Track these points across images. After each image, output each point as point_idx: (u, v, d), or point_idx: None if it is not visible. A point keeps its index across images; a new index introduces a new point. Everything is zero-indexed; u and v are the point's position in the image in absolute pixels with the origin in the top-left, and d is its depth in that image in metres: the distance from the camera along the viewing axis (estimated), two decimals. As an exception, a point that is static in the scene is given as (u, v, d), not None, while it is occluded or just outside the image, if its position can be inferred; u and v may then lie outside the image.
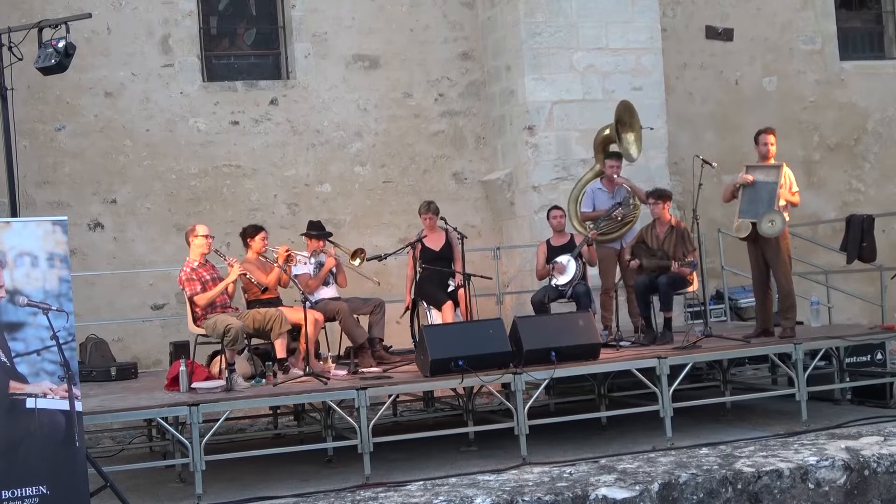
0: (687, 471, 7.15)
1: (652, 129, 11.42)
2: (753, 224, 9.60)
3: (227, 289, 9.16)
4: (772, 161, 9.79)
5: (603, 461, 7.99)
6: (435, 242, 10.22)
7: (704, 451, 8.12)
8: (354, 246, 10.24)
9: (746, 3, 14.30)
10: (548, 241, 10.50)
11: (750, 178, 9.67)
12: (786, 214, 9.66)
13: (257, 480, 8.44)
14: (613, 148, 10.78)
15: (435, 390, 10.05)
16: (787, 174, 9.69)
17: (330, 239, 10.20)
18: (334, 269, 10.00)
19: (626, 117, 10.82)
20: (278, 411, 10.33)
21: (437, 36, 13.17)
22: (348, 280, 10.16)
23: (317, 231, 10.08)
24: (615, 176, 10.53)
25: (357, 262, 9.96)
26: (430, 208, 10.23)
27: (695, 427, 9.25)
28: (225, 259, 9.24)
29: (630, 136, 10.81)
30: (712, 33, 14.11)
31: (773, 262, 9.71)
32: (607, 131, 10.86)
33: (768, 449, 7.90)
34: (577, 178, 11.43)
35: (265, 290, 9.42)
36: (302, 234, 10.23)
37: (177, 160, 12.28)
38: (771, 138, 9.79)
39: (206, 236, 9.19)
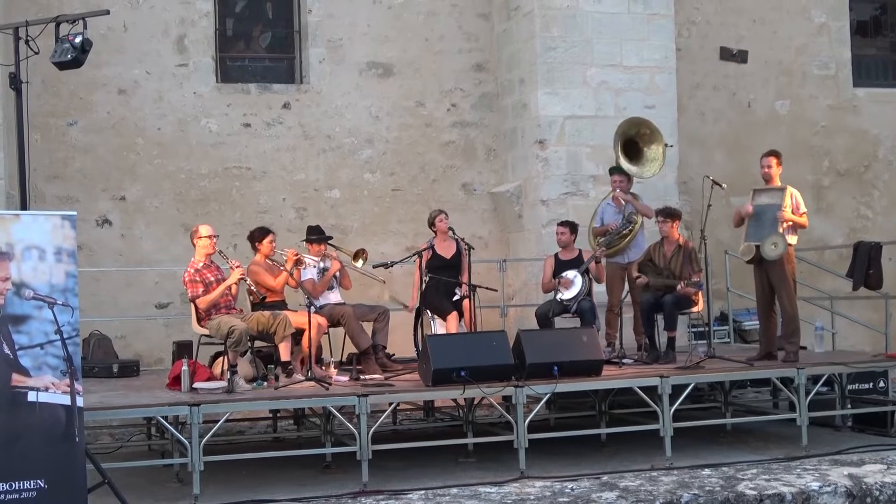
0: (689, 491, 7.12)
1: (672, 146, 11.39)
2: (757, 247, 9.58)
3: (230, 290, 9.13)
4: (777, 184, 9.78)
5: (605, 478, 7.97)
6: (446, 250, 10.21)
7: (707, 472, 8.10)
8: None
9: (762, 26, 14.29)
10: (556, 255, 10.48)
11: (750, 209, 9.66)
12: (793, 238, 9.63)
13: (255, 483, 8.41)
14: (622, 162, 10.78)
15: (436, 400, 10.02)
16: (794, 195, 9.66)
17: (330, 242, 10.17)
18: (338, 274, 9.97)
19: (639, 132, 10.81)
20: (278, 415, 10.30)
21: (452, 46, 13.16)
22: (353, 285, 10.15)
23: (316, 235, 10.05)
24: (617, 191, 10.52)
25: (359, 263, 9.93)
26: (442, 210, 10.33)
27: (694, 447, 9.21)
28: (228, 261, 9.20)
29: (650, 153, 10.82)
30: (727, 55, 14.10)
31: (777, 286, 9.67)
32: (619, 151, 10.85)
33: (771, 472, 7.87)
34: (587, 194, 11.38)
35: (263, 299, 9.35)
36: (302, 241, 10.18)
37: (187, 160, 12.28)
38: (771, 161, 9.78)
39: (210, 237, 9.17)
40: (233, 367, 8.58)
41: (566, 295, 10.04)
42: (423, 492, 7.78)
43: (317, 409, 9.05)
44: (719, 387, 10.30)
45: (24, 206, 7.62)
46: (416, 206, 12.85)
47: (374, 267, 10.15)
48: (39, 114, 11.42)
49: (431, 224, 10.34)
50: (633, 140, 10.97)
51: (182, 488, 8.19)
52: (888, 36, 15.32)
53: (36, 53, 7.56)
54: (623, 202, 10.48)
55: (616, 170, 10.72)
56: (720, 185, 10.04)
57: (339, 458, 8.69)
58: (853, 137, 14.59)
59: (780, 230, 9.52)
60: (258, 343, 9.38)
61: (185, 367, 8.45)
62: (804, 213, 9.71)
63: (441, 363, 8.32)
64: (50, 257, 6.63)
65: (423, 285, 9.94)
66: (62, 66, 7.84)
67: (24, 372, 6.46)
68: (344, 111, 12.81)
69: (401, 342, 10.49)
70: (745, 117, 14.19)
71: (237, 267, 9.07)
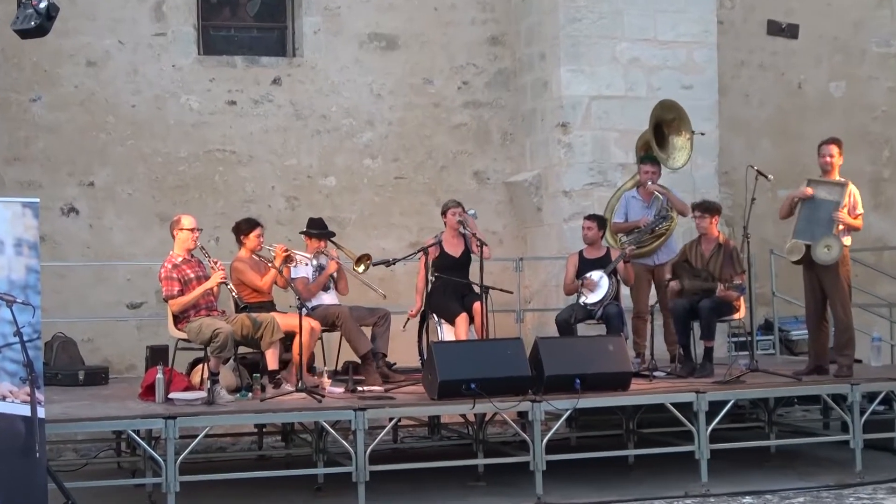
0: (726, 522, 7.12)
1: (703, 134, 11.37)
2: (808, 247, 9.55)
3: (211, 290, 9.12)
4: (836, 177, 9.73)
5: (631, 506, 7.97)
6: (454, 248, 10.16)
7: (747, 499, 8.11)
8: (358, 249, 10.20)
9: (815, -4, 14.30)
10: (580, 253, 10.44)
11: (809, 190, 9.62)
12: (847, 240, 9.60)
13: (237, 507, 8.45)
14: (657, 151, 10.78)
15: (442, 415, 10.03)
16: (853, 194, 9.62)
17: (332, 239, 10.17)
18: (335, 274, 9.98)
19: (672, 118, 10.80)
20: (264, 430, 10.32)
21: (464, 17, 13.16)
22: (350, 289, 10.15)
23: (318, 230, 10.06)
24: (649, 183, 10.48)
25: (361, 268, 9.93)
26: (459, 203, 10.21)
27: (733, 472, 9.22)
28: (209, 259, 9.18)
29: (678, 141, 10.80)
30: (775, 29, 14.08)
31: (830, 291, 9.65)
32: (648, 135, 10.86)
33: (820, 501, 7.87)
34: (614, 184, 11.37)
35: (245, 307, 9.33)
36: (301, 233, 10.21)
37: (164, 141, 12.30)
38: (833, 150, 9.71)
39: (193, 230, 9.15)
40: (214, 376, 8.59)
41: (590, 298, 10.02)
42: (426, 519, 7.81)
43: (308, 424, 9.07)
44: (762, 404, 10.29)
45: (-20, 192, 7.65)
46: (421, 197, 12.85)
47: (375, 264, 10.14)
48: (-1, 88, 11.47)
49: (444, 214, 10.28)
50: (659, 126, 10.95)
51: (155, 511, 8.22)
52: (958, 9, 15.29)
53: (-5, 20, 7.58)
54: (660, 195, 10.42)
55: (648, 159, 10.69)
56: (766, 177, 10.01)
57: (333, 480, 8.69)
58: (917, 124, 14.58)
59: (836, 232, 9.49)
60: (242, 349, 9.39)
61: (159, 376, 8.46)
62: (860, 214, 9.66)
63: (448, 374, 8.33)
64: (9, 249, 6.65)
65: (430, 286, 9.92)
66: (25, 34, 7.86)
67: (-21, 379, 6.49)
68: (341, 88, 12.81)
69: (403, 350, 10.48)
70: (795, 100, 14.18)
71: (219, 268, 9.05)
